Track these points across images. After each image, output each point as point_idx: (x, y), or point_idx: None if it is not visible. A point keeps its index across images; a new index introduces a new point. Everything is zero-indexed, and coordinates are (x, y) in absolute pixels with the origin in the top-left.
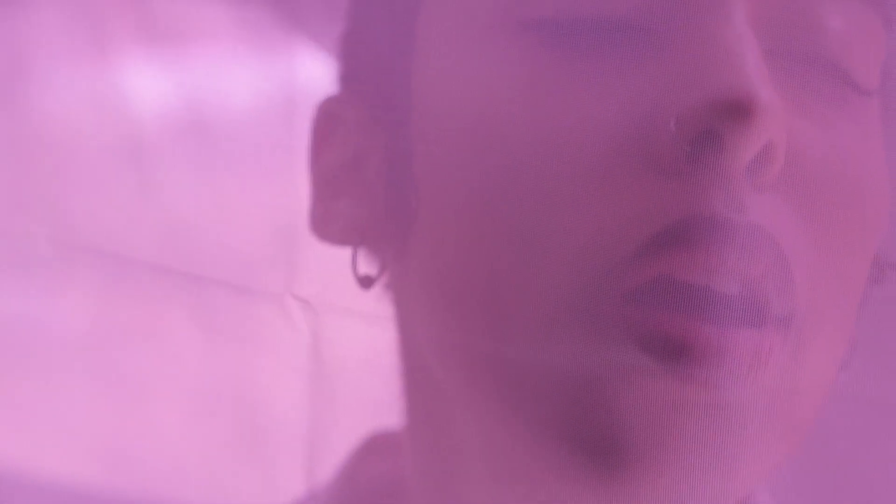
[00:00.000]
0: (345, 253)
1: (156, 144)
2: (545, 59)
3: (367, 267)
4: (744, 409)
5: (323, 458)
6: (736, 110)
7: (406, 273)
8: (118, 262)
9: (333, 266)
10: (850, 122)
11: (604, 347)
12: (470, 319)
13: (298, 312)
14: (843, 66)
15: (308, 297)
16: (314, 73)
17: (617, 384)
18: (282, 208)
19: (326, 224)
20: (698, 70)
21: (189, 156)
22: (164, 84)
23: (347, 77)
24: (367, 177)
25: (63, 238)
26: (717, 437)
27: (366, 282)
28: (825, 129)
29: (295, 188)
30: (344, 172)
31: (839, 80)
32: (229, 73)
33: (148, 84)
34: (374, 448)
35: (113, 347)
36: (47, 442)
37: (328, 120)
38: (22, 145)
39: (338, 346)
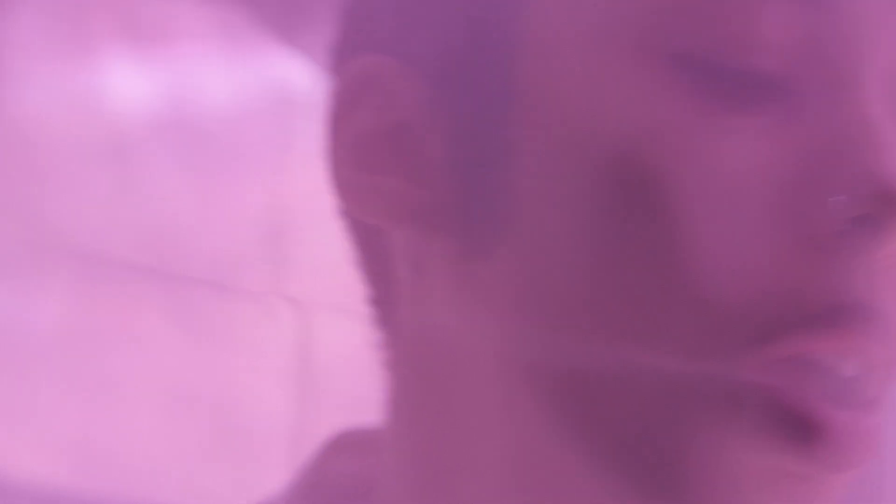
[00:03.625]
0: (336, 250)
1: (136, 144)
2: (694, 102)
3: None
4: (834, 484)
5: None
6: None
7: (477, 268)
8: (96, 263)
9: (323, 264)
10: None
11: (725, 406)
12: (575, 333)
13: (286, 311)
14: None
15: (297, 296)
16: (299, 73)
17: (723, 444)
18: (270, 207)
19: (365, 196)
20: (859, 150)
21: (171, 156)
22: (146, 84)
23: (397, 46)
24: (426, 156)
25: (40, 239)
26: None
27: (417, 268)
28: None
29: (284, 187)
30: (386, 141)
31: None
32: (212, 74)
33: (128, 84)
34: (345, 445)
35: (91, 349)
36: (24, 444)
37: (365, 79)
38: None
39: (327, 344)
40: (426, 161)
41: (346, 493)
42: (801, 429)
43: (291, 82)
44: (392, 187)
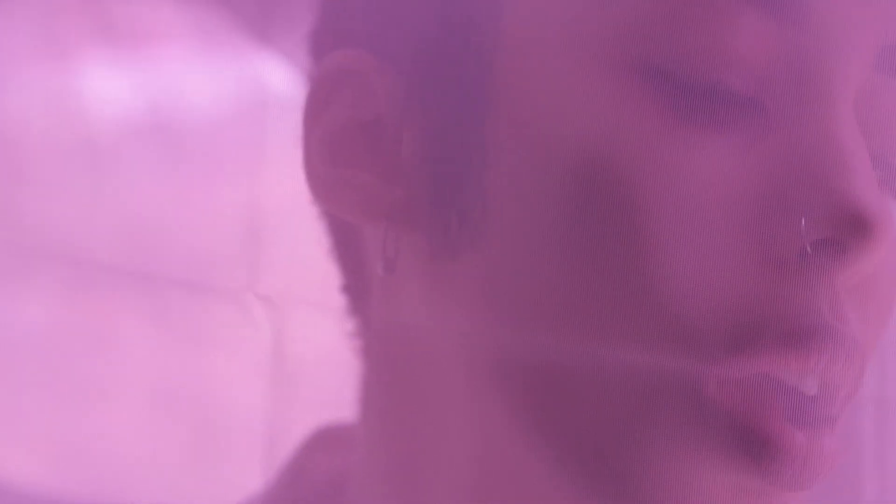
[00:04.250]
0: (311, 249)
1: (113, 146)
2: (662, 114)
3: (323, 244)
4: (790, 501)
5: (282, 458)
6: (866, 228)
7: (448, 266)
8: (73, 263)
9: (298, 263)
10: None
11: (686, 419)
12: (543, 335)
13: (260, 310)
14: None
15: (271, 295)
16: (274, 74)
17: (682, 457)
18: (245, 207)
19: (338, 191)
20: (827, 172)
21: (148, 157)
22: (123, 86)
23: (373, 42)
24: (399, 152)
25: (17, 241)
26: None
27: (390, 265)
28: None
29: (259, 187)
30: (360, 136)
31: None
32: (188, 75)
33: (105, 86)
34: (322, 442)
35: (67, 349)
36: (2, 447)
37: (341, 74)
38: None
39: (301, 342)
40: (400, 158)
41: (323, 491)
42: (760, 446)
43: (268, 83)
44: (365, 183)
